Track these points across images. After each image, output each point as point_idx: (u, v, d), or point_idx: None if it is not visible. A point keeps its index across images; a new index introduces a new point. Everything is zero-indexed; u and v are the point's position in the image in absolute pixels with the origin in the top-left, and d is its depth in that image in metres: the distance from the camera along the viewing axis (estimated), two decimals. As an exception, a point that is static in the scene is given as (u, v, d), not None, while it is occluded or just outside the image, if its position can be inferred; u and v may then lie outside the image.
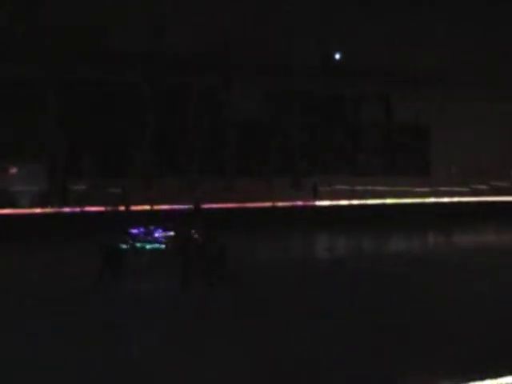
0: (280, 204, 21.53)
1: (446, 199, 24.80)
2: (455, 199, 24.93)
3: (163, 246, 11.64)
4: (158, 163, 20.47)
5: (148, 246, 11.71)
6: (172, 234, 11.77)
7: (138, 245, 11.63)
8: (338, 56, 19.10)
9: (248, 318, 8.59)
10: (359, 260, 14.47)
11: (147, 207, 18.74)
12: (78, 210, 18.88)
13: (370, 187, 23.28)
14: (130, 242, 11.53)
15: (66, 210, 18.90)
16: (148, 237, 11.83)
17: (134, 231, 11.82)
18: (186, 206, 14.01)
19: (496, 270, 12.74)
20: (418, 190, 24.29)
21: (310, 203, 22.12)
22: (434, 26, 16.76)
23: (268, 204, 21.32)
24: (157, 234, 11.88)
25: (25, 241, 16.21)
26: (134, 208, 13.69)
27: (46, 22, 15.32)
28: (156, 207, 19.13)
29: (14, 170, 18.74)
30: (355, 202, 22.90)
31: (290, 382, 6.16)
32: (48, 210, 18.68)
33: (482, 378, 5.97)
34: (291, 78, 21.32)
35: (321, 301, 9.71)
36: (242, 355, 6.90)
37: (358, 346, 7.25)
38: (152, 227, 11.97)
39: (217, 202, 20.06)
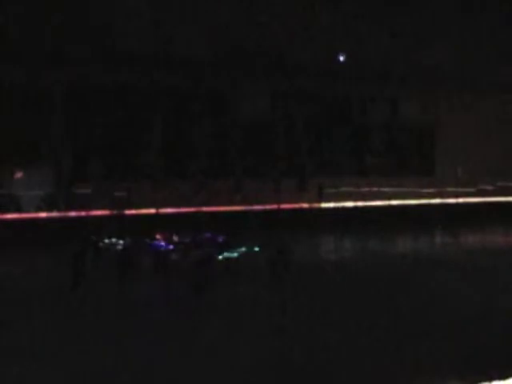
0: (286, 206, 21.50)
1: (451, 200, 24.71)
2: (461, 200, 24.84)
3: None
4: (164, 166, 20.48)
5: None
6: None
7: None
8: (342, 57, 19.08)
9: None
10: (366, 261, 14.51)
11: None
12: (83, 213, 18.92)
13: (375, 188, 23.24)
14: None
15: (72, 214, 18.92)
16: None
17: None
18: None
19: (502, 270, 12.83)
20: (423, 190, 24.21)
21: (316, 205, 22.09)
22: (437, 25, 16.72)
23: (274, 206, 21.28)
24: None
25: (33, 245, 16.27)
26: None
27: (52, 23, 15.34)
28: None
29: (19, 174, 18.77)
30: (360, 203, 22.88)
31: None
32: (54, 214, 18.72)
33: (490, 380, 5.99)
34: (297, 79, 21.33)
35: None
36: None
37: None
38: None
39: (224, 205, 20.15)
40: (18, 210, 18.39)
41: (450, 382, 6.23)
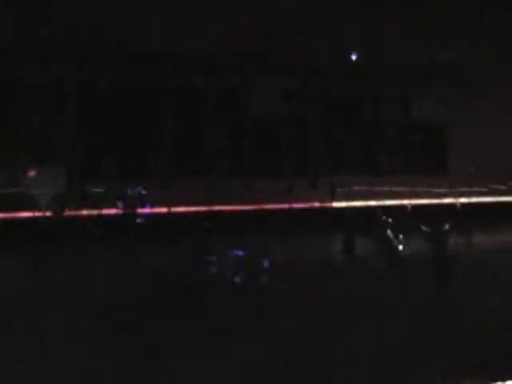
0: (298, 205, 21.45)
1: (464, 199, 24.54)
2: (473, 199, 24.66)
3: None
4: (176, 164, 20.51)
5: None
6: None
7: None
8: (354, 55, 19.02)
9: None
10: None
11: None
12: (95, 212, 18.99)
13: (387, 188, 23.14)
14: None
15: (84, 212, 18.99)
16: None
17: None
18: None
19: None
20: (435, 190, 24.07)
21: (328, 204, 22.02)
22: (449, 24, 16.61)
23: (285, 205, 21.24)
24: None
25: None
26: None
27: (63, 22, 15.42)
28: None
29: (32, 173, 18.86)
30: (373, 202, 22.76)
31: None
32: (66, 212, 18.78)
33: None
34: (308, 78, 21.30)
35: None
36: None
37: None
38: None
39: (236, 204, 20.19)
40: (31, 208, 18.48)
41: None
